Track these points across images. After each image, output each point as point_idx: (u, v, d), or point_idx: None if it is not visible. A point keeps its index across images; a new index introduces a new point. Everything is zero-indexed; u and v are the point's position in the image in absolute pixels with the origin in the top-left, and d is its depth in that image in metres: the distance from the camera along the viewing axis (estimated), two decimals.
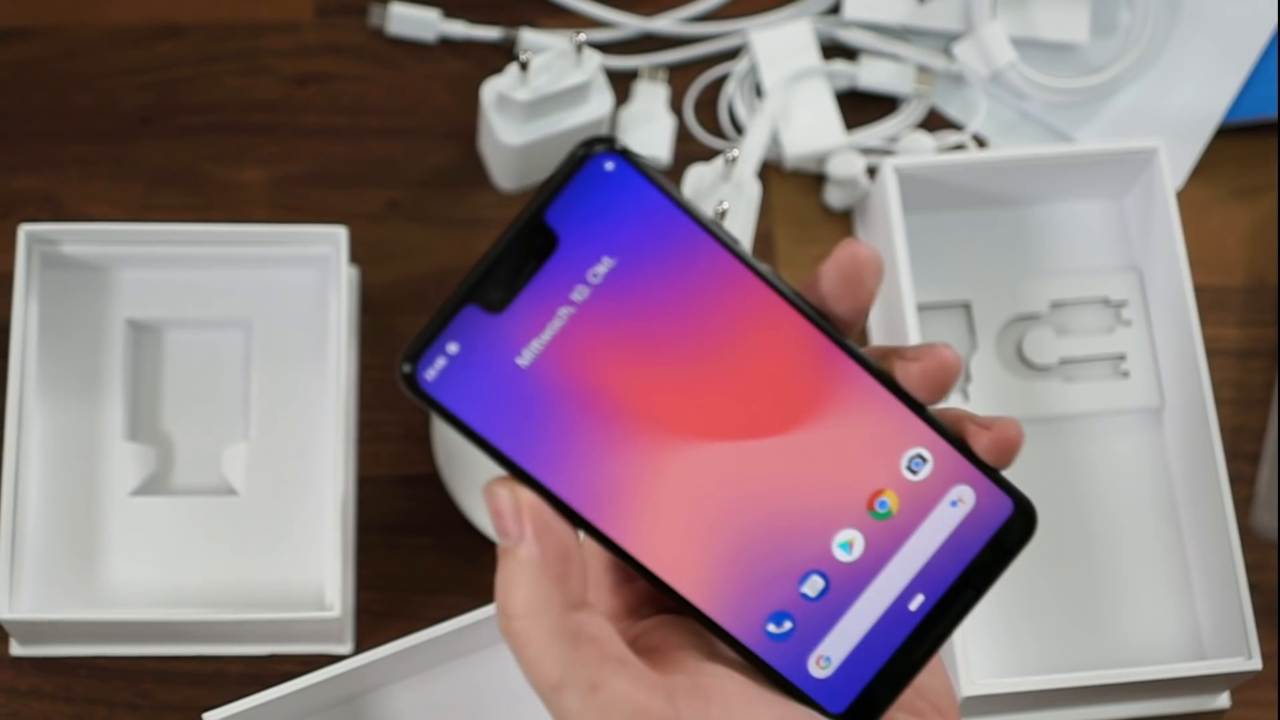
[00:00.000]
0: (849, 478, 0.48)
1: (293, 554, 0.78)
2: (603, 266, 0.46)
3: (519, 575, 0.46)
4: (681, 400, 0.47)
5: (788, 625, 0.49)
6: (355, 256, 0.83)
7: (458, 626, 0.73)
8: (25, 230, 0.78)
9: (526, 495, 0.46)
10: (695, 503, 0.48)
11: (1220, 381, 0.84)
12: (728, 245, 0.47)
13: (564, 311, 0.46)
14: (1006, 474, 0.50)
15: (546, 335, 0.46)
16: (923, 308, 0.83)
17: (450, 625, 0.73)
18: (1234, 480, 0.81)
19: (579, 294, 0.46)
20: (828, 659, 0.49)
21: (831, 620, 0.49)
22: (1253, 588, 0.78)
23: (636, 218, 0.46)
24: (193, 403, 0.80)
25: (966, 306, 0.84)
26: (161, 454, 0.79)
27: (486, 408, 0.46)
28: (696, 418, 0.47)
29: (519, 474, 0.47)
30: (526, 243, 0.46)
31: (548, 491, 0.47)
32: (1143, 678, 0.75)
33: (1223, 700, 0.80)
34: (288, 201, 0.85)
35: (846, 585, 0.49)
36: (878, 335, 0.84)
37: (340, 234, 0.79)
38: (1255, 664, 0.75)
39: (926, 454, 0.49)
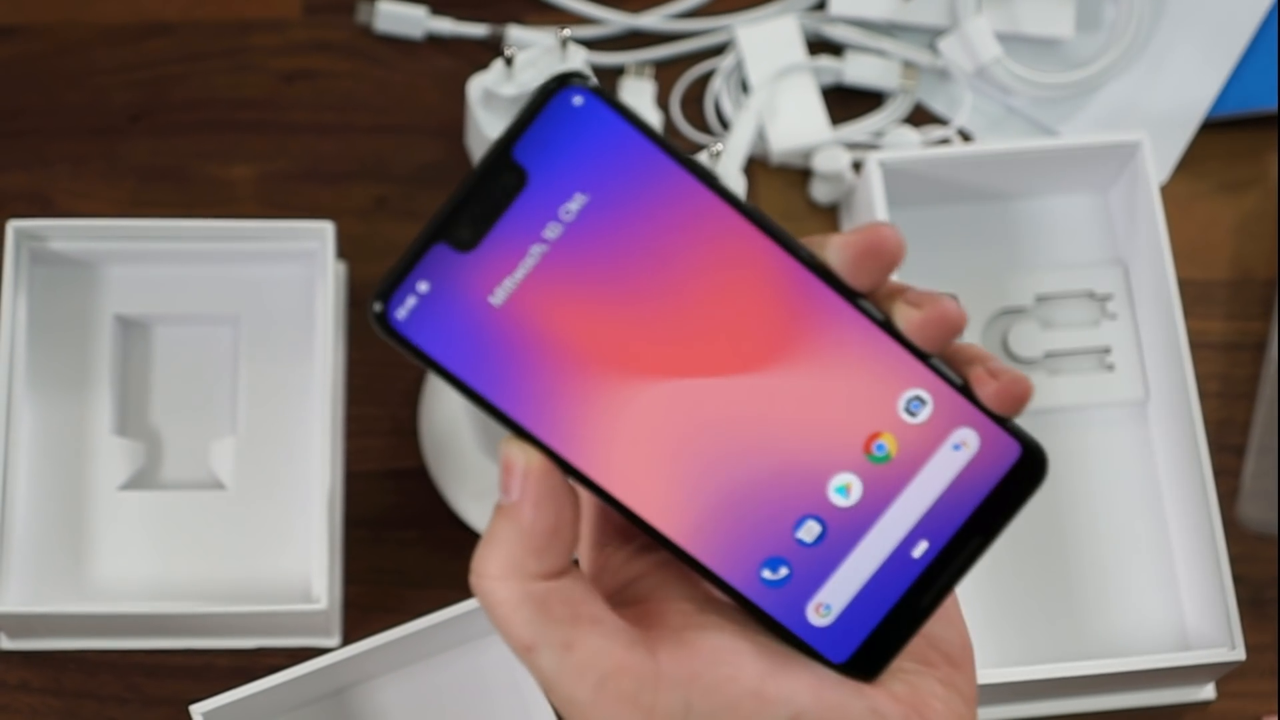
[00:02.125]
0: (844, 420, 0.47)
1: (280, 548, 0.78)
2: (575, 203, 0.45)
3: (501, 536, 0.46)
4: (661, 339, 0.46)
5: (784, 571, 0.47)
6: (343, 252, 0.83)
7: (444, 619, 0.73)
8: (13, 226, 0.78)
9: (536, 460, 0.46)
10: (679, 444, 0.46)
11: (1206, 375, 0.84)
12: (706, 180, 0.46)
13: (537, 249, 0.45)
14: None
15: (519, 273, 0.45)
16: None
17: (437, 618, 0.73)
18: (1219, 473, 0.81)
19: (552, 231, 0.45)
20: (827, 606, 0.48)
21: (830, 567, 0.47)
22: (1237, 579, 0.79)
23: (609, 153, 0.45)
24: (181, 398, 0.81)
25: (952, 300, 0.84)
26: (150, 448, 0.80)
27: (460, 347, 0.45)
28: (677, 357, 0.46)
29: (495, 414, 0.46)
30: (495, 179, 0.45)
31: (524, 431, 0.46)
32: (1127, 668, 0.75)
33: (1208, 691, 0.80)
34: (276, 198, 0.85)
35: (845, 531, 0.47)
36: None
37: (327, 229, 0.79)
38: (1239, 655, 0.75)
39: (925, 396, 0.47)
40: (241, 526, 0.79)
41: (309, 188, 0.86)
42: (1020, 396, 0.47)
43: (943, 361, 0.47)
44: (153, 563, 0.78)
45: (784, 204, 0.87)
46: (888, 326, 0.47)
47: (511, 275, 0.45)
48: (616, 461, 0.46)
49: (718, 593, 0.48)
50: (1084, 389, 0.83)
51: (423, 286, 0.45)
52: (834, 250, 0.47)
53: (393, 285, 0.45)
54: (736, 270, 0.46)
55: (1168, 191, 0.87)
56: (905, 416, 0.47)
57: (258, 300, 0.81)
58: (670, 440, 0.46)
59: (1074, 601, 0.81)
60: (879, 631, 0.47)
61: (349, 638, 0.79)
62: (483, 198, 0.45)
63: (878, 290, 0.47)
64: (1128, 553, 0.82)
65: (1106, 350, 0.84)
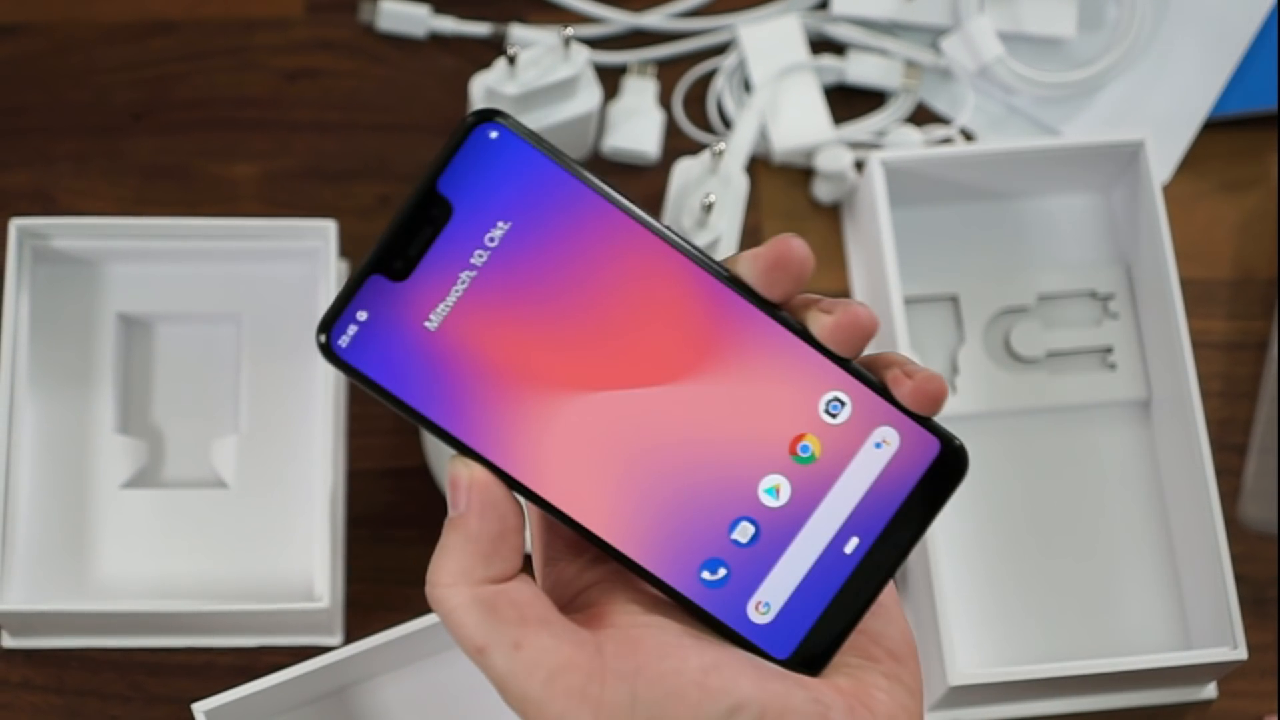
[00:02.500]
0: (768, 423, 0.49)
1: (282, 546, 0.78)
2: (499, 230, 0.48)
3: (450, 545, 0.48)
4: (589, 354, 0.49)
5: (722, 572, 0.50)
6: (346, 251, 0.83)
7: None
8: (16, 224, 0.78)
9: (479, 473, 0.49)
10: (613, 454, 0.49)
11: (1208, 374, 0.84)
12: (617, 202, 0.49)
13: (466, 275, 0.48)
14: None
15: (451, 299, 0.48)
16: (910, 301, 0.83)
17: (438, 616, 0.73)
18: (1221, 472, 0.81)
19: (478, 258, 0.49)
20: (767, 604, 0.50)
21: (766, 566, 0.50)
22: (1239, 579, 0.79)
23: (526, 182, 0.48)
24: (183, 396, 0.81)
25: (954, 299, 0.84)
26: (152, 447, 0.80)
27: (400, 370, 0.48)
28: (604, 371, 0.49)
29: (438, 432, 0.49)
30: (422, 212, 0.48)
31: (467, 447, 0.49)
32: (1129, 667, 0.75)
33: (1209, 691, 0.80)
34: (279, 196, 0.85)
35: (778, 530, 0.50)
36: None
37: (330, 227, 0.79)
38: (1241, 654, 0.75)
39: (845, 397, 0.50)
40: (244, 525, 0.79)
41: (312, 186, 0.86)
42: (935, 395, 0.49)
43: (862, 366, 0.50)
44: (155, 561, 0.78)
45: (786, 203, 0.87)
46: (805, 335, 0.49)
47: (444, 301, 0.48)
48: (554, 473, 0.49)
49: (663, 598, 0.50)
50: (1086, 388, 0.83)
51: (362, 315, 0.48)
52: (745, 264, 0.49)
53: (334, 315, 0.48)
54: (656, 287, 0.49)
55: (1170, 191, 0.87)
56: (826, 418, 0.50)
57: (260, 299, 0.81)
58: (603, 450, 0.49)
59: (1076, 600, 0.81)
60: (819, 626, 0.50)
61: (351, 636, 0.79)
62: (412, 230, 0.48)
63: (792, 301, 0.50)
64: (1129, 552, 0.82)
65: (1109, 350, 0.84)
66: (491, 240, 0.49)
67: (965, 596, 0.80)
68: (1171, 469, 0.81)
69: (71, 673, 0.79)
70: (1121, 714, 0.80)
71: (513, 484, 0.49)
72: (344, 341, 0.48)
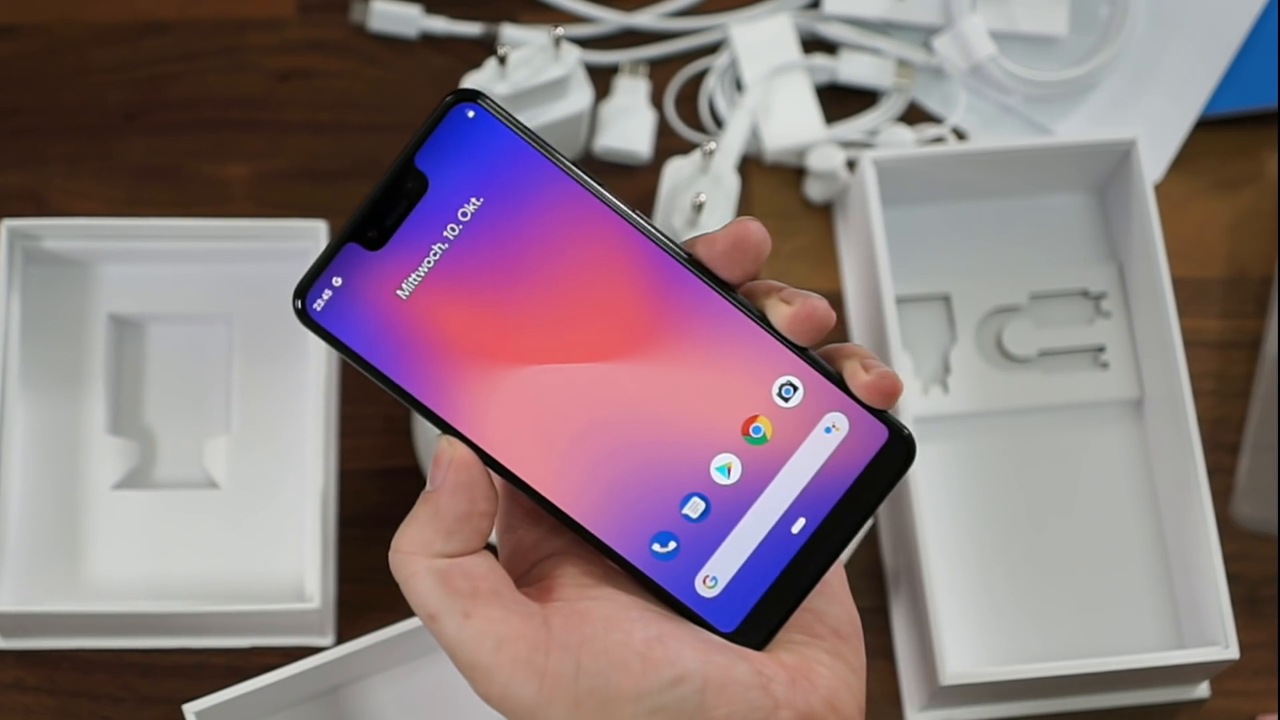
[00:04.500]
0: (722, 404, 0.51)
1: (274, 547, 0.78)
2: (471, 206, 0.51)
3: (418, 517, 0.51)
4: (553, 330, 0.51)
5: (672, 545, 0.51)
6: None
7: None
8: (7, 225, 0.78)
9: (460, 452, 0.51)
10: (571, 425, 0.51)
11: (1200, 373, 0.84)
12: (586, 185, 0.51)
13: (438, 247, 0.51)
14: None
15: (423, 269, 0.51)
16: (902, 300, 0.83)
17: None
18: (1214, 471, 0.81)
19: (451, 231, 0.51)
20: (714, 579, 0.51)
21: (715, 541, 0.51)
22: (1231, 578, 0.79)
23: (500, 161, 0.51)
24: (175, 397, 0.81)
25: (946, 298, 0.84)
26: (143, 448, 0.80)
27: (371, 336, 0.51)
28: (568, 346, 0.51)
29: (403, 396, 0.51)
30: (399, 185, 0.50)
31: (432, 413, 0.51)
32: (1121, 667, 0.75)
33: (1202, 690, 0.80)
34: (271, 197, 0.85)
35: (728, 507, 0.51)
36: (857, 327, 0.84)
37: (320, 228, 0.79)
38: (1233, 653, 0.75)
39: (797, 382, 0.51)
40: (235, 525, 0.79)
41: (303, 187, 0.86)
42: (889, 391, 0.51)
43: (819, 355, 0.52)
44: (147, 562, 0.78)
45: (778, 202, 0.87)
46: (762, 320, 0.51)
47: (416, 271, 0.51)
48: (514, 441, 0.51)
49: (615, 567, 0.52)
50: (1078, 387, 0.83)
51: (336, 281, 0.50)
52: (704, 246, 0.51)
53: (310, 281, 0.51)
54: (620, 267, 0.51)
55: (1162, 189, 0.87)
56: (779, 401, 0.51)
57: (252, 299, 0.81)
58: (562, 422, 0.51)
59: (1067, 600, 0.81)
60: (764, 602, 0.51)
61: (342, 637, 0.79)
62: (389, 201, 0.51)
63: (754, 286, 0.52)
64: (1122, 551, 0.82)
65: (1101, 348, 0.84)
66: (464, 215, 0.51)
67: (957, 596, 0.80)
68: (1164, 468, 0.81)
69: (63, 673, 0.79)
70: (1114, 713, 0.80)
71: (473, 449, 0.51)
72: (318, 306, 0.50)
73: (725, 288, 0.51)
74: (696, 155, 0.80)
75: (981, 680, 0.74)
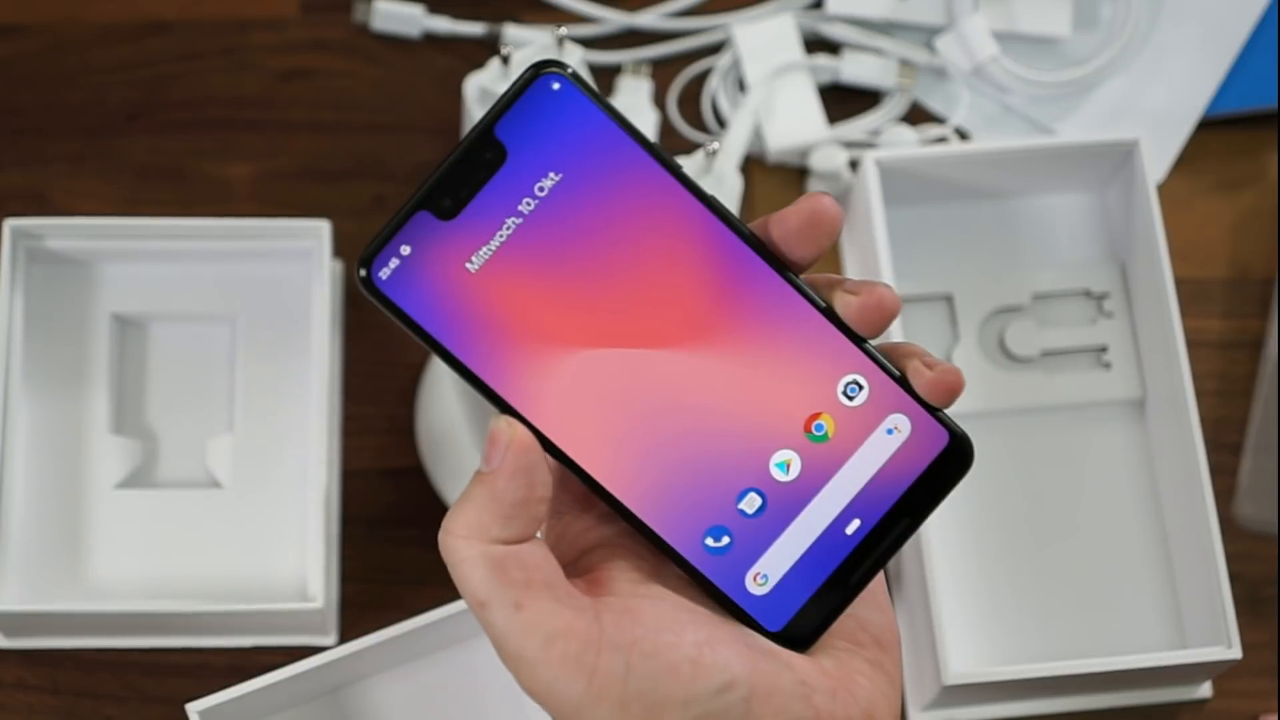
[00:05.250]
0: (787, 399, 0.50)
1: (277, 546, 0.78)
2: (549, 181, 0.49)
3: (473, 499, 0.49)
4: (621, 313, 0.50)
5: (725, 540, 0.51)
6: (341, 251, 0.83)
7: (441, 617, 0.73)
8: (10, 225, 0.78)
9: (520, 435, 0.49)
10: (633, 413, 0.50)
11: (1203, 373, 0.84)
12: (669, 167, 0.49)
13: (511, 221, 0.49)
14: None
15: (494, 243, 0.49)
16: (905, 300, 0.83)
17: (433, 616, 0.73)
18: (1216, 471, 0.81)
19: (526, 205, 0.49)
20: (765, 576, 0.51)
21: (769, 538, 0.51)
22: (1234, 578, 0.79)
23: (582, 137, 0.49)
24: (178, 396, 0.81)
25: (949, 299, 0.84)
26: (146, 447, 0.80)
27: (437, 309, 0.49)
28: (635, 331, 0.50)
29: (462, 371, 0.49)
30: (477, 154, 0.49)
31: (491, 391, 0.49)
32: (1124, 667, 0.75)
33: (1204, 690, 0.80)
34: (274, 197, 0.85)
35: (784, 504, 0.50)
36: None
37: (323, 227, 0.79)
38: (1235, 653, 0.75)
39: (863, 381, 0.51)
40: (238, 525, 0.79)
41: (306, 186, 0.86)
42: (953, 387, 0.50)
43: (881, 353, 0.51)
44: (149, 561, 0.78)
45: (780, 202, 0.87)
46: (830, 314, 0.50)
47: (487, 245, 0.49)
48: (571, 424, 0.50)
49: (663, 561, 0.51)
50: (1081, 387, 0.83)
51: (405, 250, 0.49)
52: (776, 225, 0.50)
53: (378, 248, 0.49)
54: (694, 253, 0.50)
55: (1165, 190, 0.87)
56: (843, 399, 0.50)
57: (255, 299, 0.81)
58: (623, 408, 0.50)
59: (1070, 599, 0.81)
60: (812, 603, 0.51)
61: (345, 636, 0.79)
62: (465, 170, 0.49)
63: (815, 279, 0.51)
64: (1124, 551, 0.82)
65: (1103, 349, 0.84)
66: (541, 190, 0.49)
67: (960, 595, 0.80)
68: (1166, 468, 0.81)
69: (66, 673, 0.79)
70: (1117, 713, 0.80)
71: (529, 428, 0.49)
72: (384, 274, 0.49)
73: (797, 282, 0.50)
74: (700, 155, 0.80)
75: (984, 680, 0.74)
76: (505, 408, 0.49)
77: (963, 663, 0.78)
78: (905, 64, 0.87)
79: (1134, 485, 0.82)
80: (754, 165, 0.87)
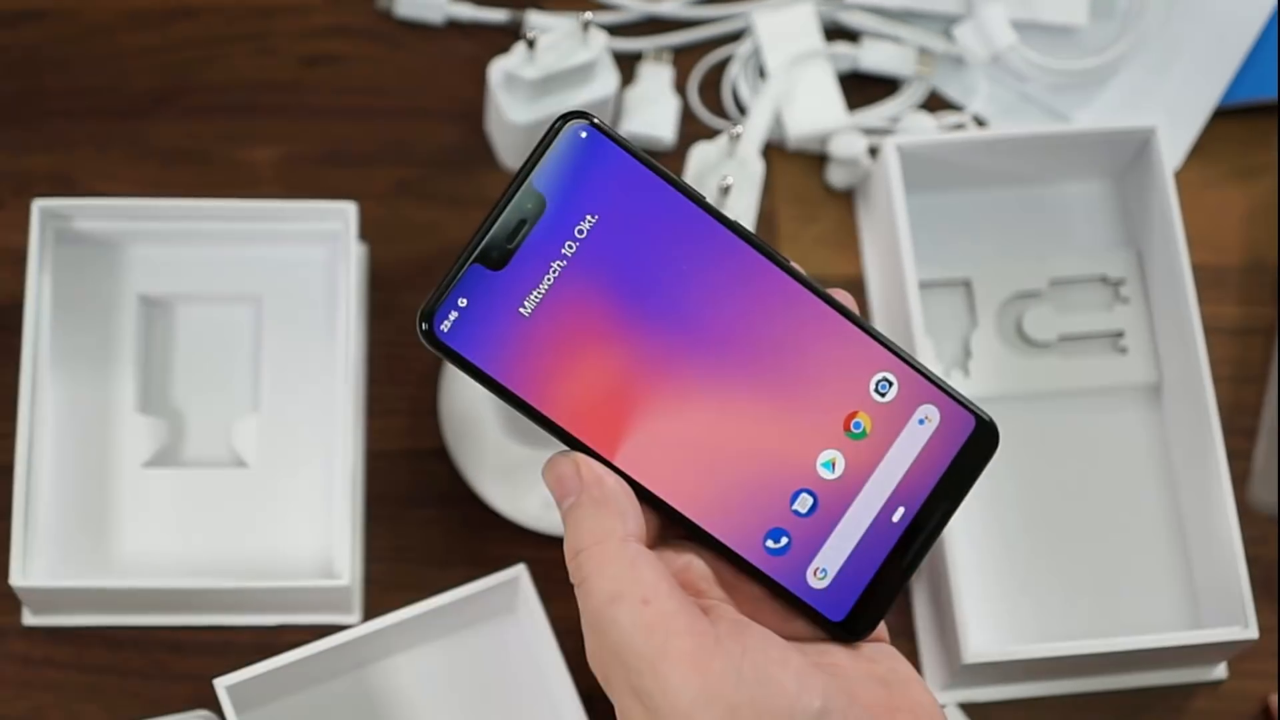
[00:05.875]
0: (826, 402, 0.54)
1: (302, 526, 0.79)
2: (587, 223, 0.53)
3: (583, 515, 0.52)
4: (666, 338, 0.53)
5: (784, 541, 0.54)
6: (365, 235, 0.84)
7: (464, 596, 0.74)
8: (39, 206, 0.79)
9: (580, 455, 0.53)
10: (689, 433, 0.53)
11: (1218, 359, 0.85)
12: (693, 197, 0.53)
13: (557, 264, 0.53)
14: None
15: (544, 286, 0.53)
16: (924, 285, 0.84)
17: (457, 594, 0.74)
18: (1231, 455, 0.82)
19: (569, 248, 0.53)
20: (824, 570, 0.54)
21: (823, 534, 0.54)
22: (1250, 561, 0.79)
23: (612, 178, 0.53)
24: (204, 376, 0.82)
25: (967, 284, 0.85)
26: (173, 426, 0.81)
27: (496, 353, 0.53)
28: (683, 355, 0.53)
29: (529, 412, 0.53)
30: (519, 205, 0.53)
31: (555, 425, 0.53)
32: (1140, 646, 0.75)
33: (1220, 671, 0.81)
34: (298, 181, 0.86)
35: (833, 501, 0.54)
36: (879, 312, 0.85)
37: (349, 209, 0.80)
38: (1252, 633, 0.76)
39: (892, 377, 0.55)
40: (263, 504, 0.79)
41: (330, 171, 0.86)
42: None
43: (905, 350, 0.55)
44: (176, 539, 0.79)
45: (800, 188, 0.87)
46: (854, 319, 0.55)
47: (537, 289, 0.53)
48: (635, 450, 0.53)
49: (730, 570, 0.54)
50: (1097, 372, 0.84)
51: (462, 302, 0.53)
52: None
53: (437, 303, 0.53)
54: (726, 275, 0.54)
55: (1181, 177, 0.87)
56: (876, 397, 0.55)
57: (280, 281, 0.82)
58: (679, 429, 0.53)
59: (1087, 581, 0.81)
60: (870, 591, 0.55)
61: (369, 615, 0.79)
62: (510, 223, 0.53)
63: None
64: (1140, 533, 0.82)
65: (1120, 334, 0.85)
66: (580, 232, 0.53)
67: (978, 577, 0.81)
68: (1182, 452, 0.82)
69: (92, 650, 0.79)
70: (1133, 694, 0.81)
71: (596, 460, 0.53)
72: (445, 327, 0.53)
73: (822, 293, 0.54)
74: (722, 139, 0.81)
75: (1002, 659, 0.75)
76: (570, 440, 0.53)
77: (981, 642, 0.79)
78: (924, 52, 0.88)
79: (1150, 468, 0.83)
80: (774, 152, 0.87)
